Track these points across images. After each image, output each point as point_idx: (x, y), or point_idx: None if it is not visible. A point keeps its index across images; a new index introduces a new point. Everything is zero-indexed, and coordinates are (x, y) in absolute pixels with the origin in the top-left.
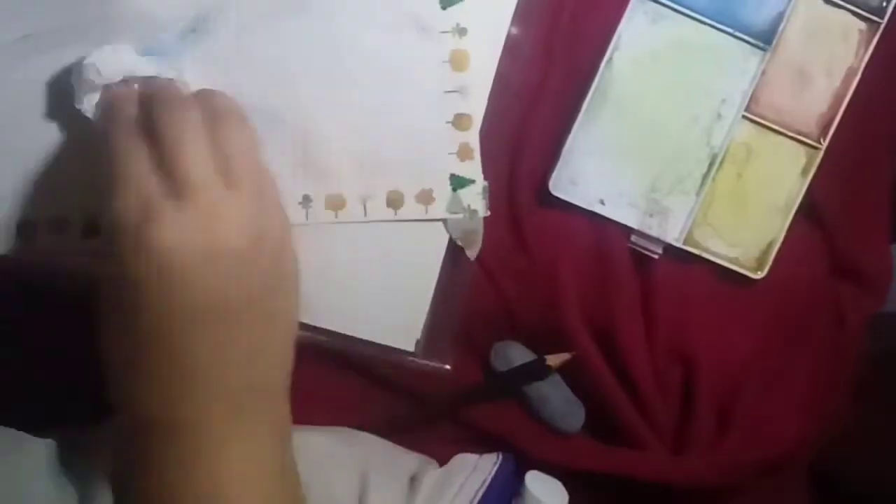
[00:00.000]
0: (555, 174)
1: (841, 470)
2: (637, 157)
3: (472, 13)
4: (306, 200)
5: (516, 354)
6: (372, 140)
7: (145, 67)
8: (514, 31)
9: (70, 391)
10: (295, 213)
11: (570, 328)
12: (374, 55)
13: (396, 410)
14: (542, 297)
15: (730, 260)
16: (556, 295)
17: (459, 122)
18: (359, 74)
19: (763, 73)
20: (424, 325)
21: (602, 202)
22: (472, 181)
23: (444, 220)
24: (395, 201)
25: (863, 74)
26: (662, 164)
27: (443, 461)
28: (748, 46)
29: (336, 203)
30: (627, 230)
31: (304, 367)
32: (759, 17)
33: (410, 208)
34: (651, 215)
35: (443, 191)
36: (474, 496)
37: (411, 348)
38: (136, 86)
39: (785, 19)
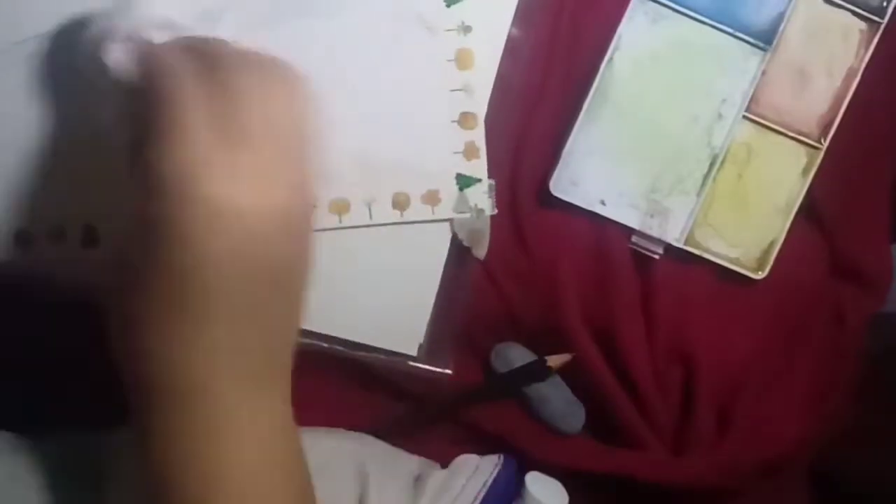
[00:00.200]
0: (555, 175)
1: (841, 470)
2: (638, 157)
3: (476, 11)
4: None
5: (517, 355)
6: (376, 141)
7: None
8: (515, 31)
9: (70, 396)
10: None
11: (571, 328)
12: (378, 54)
13: (397, 411)
14: (543, 297)
15: (730, 260)
16: (557, 295)
17: (465, 120)
18: (362, 75)
19: (763, 73)
20: (427, 330)
21: (603, 202)
22: (479, 180)
23: (451, 220)
24: (400, 203)
25: (863, 74)
26: (663, 164)
27: (443, 461)
28: (748, 46)
29: (340, 207)
30: (628, 230)
31: (305, 370)
32: (760, 17)
33: (416, 209)
34: (652, 216)
35: (449, 190)
36: (475, 498)
37: (414, 353)
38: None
39: (785, 19)
